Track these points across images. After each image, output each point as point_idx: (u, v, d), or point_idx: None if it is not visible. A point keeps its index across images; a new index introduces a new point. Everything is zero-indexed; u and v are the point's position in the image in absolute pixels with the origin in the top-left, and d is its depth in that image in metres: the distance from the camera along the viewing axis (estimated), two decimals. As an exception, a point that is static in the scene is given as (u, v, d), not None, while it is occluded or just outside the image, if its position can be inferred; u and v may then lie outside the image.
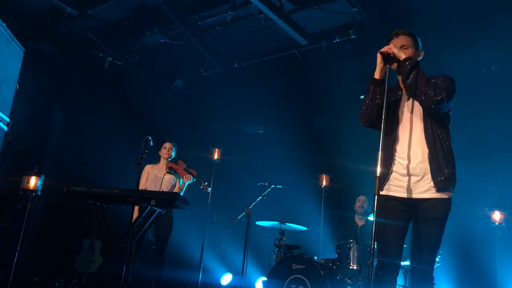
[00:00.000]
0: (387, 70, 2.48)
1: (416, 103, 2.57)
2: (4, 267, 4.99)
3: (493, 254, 5.14)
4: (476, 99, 5.53)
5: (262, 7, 5.26)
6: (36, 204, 6.15)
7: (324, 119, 6.94)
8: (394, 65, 2.54)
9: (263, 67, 6.66)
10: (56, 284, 5.76)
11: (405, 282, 4.68)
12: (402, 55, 2.49)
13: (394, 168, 2.56)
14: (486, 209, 5.29)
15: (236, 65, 6.78)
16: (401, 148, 2.56)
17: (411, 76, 2.44)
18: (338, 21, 5.67)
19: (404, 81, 2.50)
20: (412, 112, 2.59)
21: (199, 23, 6.03)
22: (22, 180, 4.60)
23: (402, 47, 2.59)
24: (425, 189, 2.49)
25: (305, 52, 6.12)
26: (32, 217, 5.99)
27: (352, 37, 5.48)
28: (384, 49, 2.51)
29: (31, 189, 4.59)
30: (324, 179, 6.38)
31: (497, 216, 5.19)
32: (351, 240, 4.73)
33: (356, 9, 5.29)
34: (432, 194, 2.47)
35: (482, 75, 5.68)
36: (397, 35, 2.65)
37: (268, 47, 6.44)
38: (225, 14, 5.65)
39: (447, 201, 2.50)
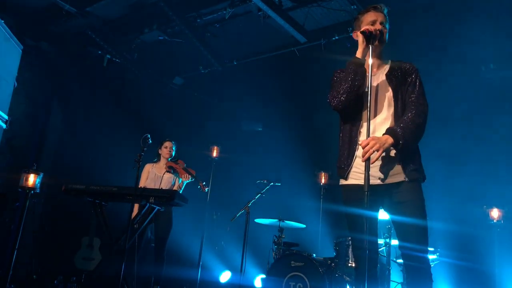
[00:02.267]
0: (370, 50, 2.33)
1: (387, 87, 2.44)
2: (3, 264, 4.99)
3: (492, 251, 5.15)
4: (474, 97, 5.54)
5: (261, 5, 5.25)
6: (35, 202, 6.15)
7: (323, 117, 6.91)
8: (375, 43, 2.39)
9: (262, 64, 6.65)
10: (55, 282, 5.76)
11: (404, 280, 4.69)
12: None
13: (358, 153, 2.42)
14: (485, 206, 5.30)
15: (235, 63, 6.78)
16: (364, 133, 2.36)
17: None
18: (337, 19, 5.66)
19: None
20: (382, 94, 2.45)
21: (198, 20, 6.02)
22: (20, 178, 4.59)
23: (382, 23, 2.47)
24: (394, 173, 2.34)
25: (304, 50, 6.12)
26: (31, 215, 5.98)
27: (351, 34, 5.46)
28: (365, 28, 2.37)
29: (30, 187, 4.58)
30: (323, 177, 6.38)
31: (495, 213, 5.20)
32: (350, 238, 4.73)
33: (355, 7, 5.28)
34: (403, 178, 2.33)
35: (481, 73, 5.68)
36: (377, 9, 2.50)
37: (267, 44, 6.43)
38: (224, 12, 5.65)
39: (420, 182, 2.37)
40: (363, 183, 2.24)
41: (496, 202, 5.28)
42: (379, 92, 2.47)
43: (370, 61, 2.33)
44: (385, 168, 2.36)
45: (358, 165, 2.43)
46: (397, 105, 2.41)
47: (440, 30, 5.11)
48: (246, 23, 5.97)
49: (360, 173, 2.38)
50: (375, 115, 2.43)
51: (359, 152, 2.40)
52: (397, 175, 2.34)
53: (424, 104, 2.40)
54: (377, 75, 2.53)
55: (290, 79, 6.96)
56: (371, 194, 2.28)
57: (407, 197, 2.32)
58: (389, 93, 2.45)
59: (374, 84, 2.49)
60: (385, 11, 2.53)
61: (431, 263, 4.25)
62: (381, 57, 2.57)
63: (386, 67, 2.54)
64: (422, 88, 2.45)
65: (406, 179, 2.32)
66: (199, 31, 6.28)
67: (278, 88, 6.94)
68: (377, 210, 2.49)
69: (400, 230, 2.36)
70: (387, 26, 2.52)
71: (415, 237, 2.29)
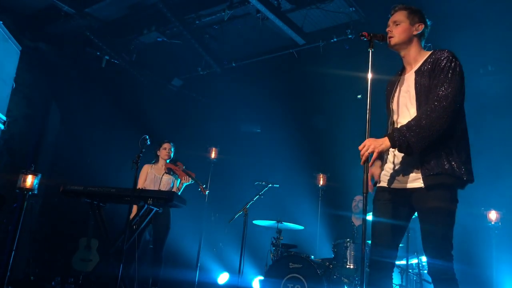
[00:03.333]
0: (370, 54, 2.30)
1: (412, 85, 2.35)
2: (1, 266, 4.98)
3: (489, 253, 5.16)
4: (472, 99, 5.54)
5: (260, 6, 5.26)
6: (33, 203, 6.13)
7: (322, 118, 6.95)
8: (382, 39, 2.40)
9: (261, 66, 6.66)
10: (53, 283, 5.75)
11: (402, 281, 4.69)
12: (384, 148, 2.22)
13: (388, 157, 2.41)
14: (482, 208, 5.31)
15: (234, 64, 6.79)
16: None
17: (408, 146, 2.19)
18: (336, 21, 5.68)
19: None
20: (407, 94, 2.39)
21: (197, 22, 6.02)
22: (18, 179, 4.59)
23: (394, 23, 2.43)
24: (414, 178, 2.27)
25: (303, 52, 6.13)
26: (28, 216, 5.96)
27: (350, 36, 5.49)
28: (364, 32, 2.35)
29: (27, 188, 4.57)
30: (321, 178, 6.39)
31: (493, 215, 5.21)
32: (348, 240, 4.74)
33: (354, 9, 5.30)
34: (421, 184, 2.23)
35: (478, 75, 5.70)
36: (393, 10, 2.49)
37: (266, 46, 6.44)
38: (223, 13, 5.65)
39: (446, 187, 2.19)
40: (387, 186, 2.33)
41: (494, 204, 5.29)
42: (403, 93, 2.41)
43: (369, 75, 2.31)
44: (407, 171, 2.30)
45: (387, 168, 2.41)
46: (419, 104, 2.29)
47: (437, 30, 5.12)
48: (244, 25, 5.98)
49: (386, 175, 2.40)
50: (400, 117, 2.39)
51: (390, 156, 2.41)
52: (416, 180, 2.26)
53: (444, 97, 2.16)
54: (407, 75, 2.45)
55: (288, 81, 6.97)
56: (398, 198, 2.31)
57: (427, 204, 2.21)
58: (412, 92, 2.34)
59: (403, 86, 2.44)
60: (401, 7, 2.47)
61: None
62: (414, 53, 2.45)
63: (419, 63, 2.41)
64: (450, 77, 2.20)
65: (423, 186, 2.21)
66: (197, 32, 6.29)
67: (276, 90, 6.95)
68: (399, 214, 2.34)
69: (423, 238, 2.26)
70: (408, 20, 2.43)
71: (434, 247, 2.19)
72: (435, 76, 2.25)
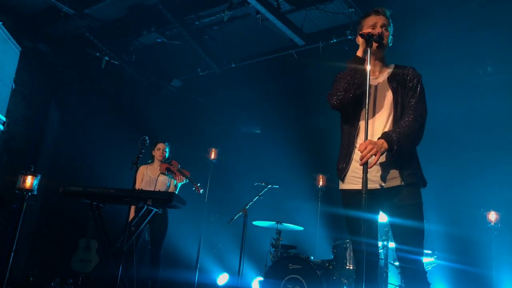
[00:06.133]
0: (369, 53, 2.32)
1: (388, 91, 2.44)
2: (0, 266, 4.97)
3: (489, 254, 5.16)
4: (471, 100, 5.55)
5: (259, 7, 5.26)
6: (32, 204, 6.13)
7: (321, 119, 6.95)
8: (374, 46, 2.38)
9: (260, 67, 6.66)
10: (52, 284, 5.74)
11: (401, 282, 4.69)
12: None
13: (355, 156, 2.41)
14: (482, 209, 5.31)
15: (233, 65, 6.78)
16: (362, 135, 2.34)
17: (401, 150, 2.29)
18: (335, 22, 5.68)
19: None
20: (382, 98, 2.44)
21: (196, 22, 6.03)
22: (18, 180, 4.59)
23: (383, 26, 2.47)
24: (391, 177, 2.34)
25: (302, 53, 6.13)
26: (28, 217, 5.96)
27: (349, 37, 5.49)
28: (364, 31, 2.37)
29: (27, 189, 4.58)
30: (321, 179, 6.39)
31: (492, 216, 5.21)
32: (348, 240, 4.73)
33: (353, 10, 5.30)
34: (400, 182, 2.32)
35: (478, 76, 5.70)
36: (377, 13, 2.49)
37: (265, 47, 6.44)
38: (222, 14, 5.65)
39: (418, 185, 2.37)
40: (360, 188, 2.24)
41: (494, 205, 5.29)
42: (379, 96, 2.46)
43: (368, 67, 2.31)
44: (383, 172, 2.35)
45: (355, 168, 2.41)
46: (396, 110, 2.40)
47: (435, 31, 5.12)
48: (244, 26, 5.98)
49: (358, 177, 2.38)
50: (373, 119, 2.43)
51: (356, 155, 2.39)
52: (394, 179, 2.34)
53: (422, 110, 2.39)
54: (378, 79, 2.52)
55: (288, 81, 6.97)
56: (370, 198, 2.26)
57: (405, 201, 2.32)
58: (389, 97, 2.43)
59: (375, 87, 2.49)
60: (388, 14, 2.52)
61: (428, 266, 4.17)
62: (383, 60, 2.56)
63: (389, 71, 2.53)
64: (423, 94, 2.43)
65: (403, 183, 2.32)
66: (197, 33, 6.29)
67: (276, 91, 6.95)
68: (377, 213, 2.49)
69: (397, 233, 2.38)
70: (389, 29, 2.51)
71: (411, 240, 2.30)
72: (409, 89, 2.43)
